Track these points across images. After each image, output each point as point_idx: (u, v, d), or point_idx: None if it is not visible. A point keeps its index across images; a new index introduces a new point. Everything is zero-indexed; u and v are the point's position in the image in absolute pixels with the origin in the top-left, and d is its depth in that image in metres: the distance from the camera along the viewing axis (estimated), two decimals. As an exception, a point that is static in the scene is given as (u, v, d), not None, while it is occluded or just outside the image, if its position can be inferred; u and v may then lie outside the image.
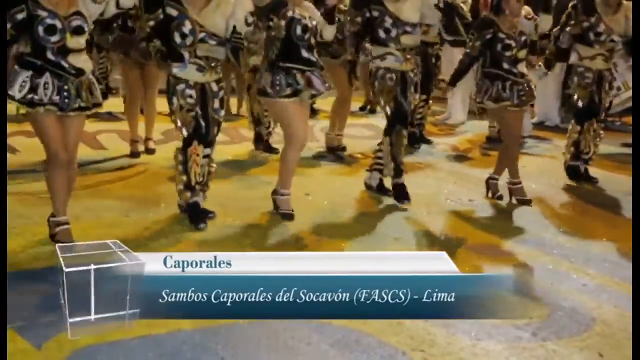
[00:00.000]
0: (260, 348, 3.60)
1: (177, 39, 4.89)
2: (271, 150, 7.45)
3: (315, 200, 5.91)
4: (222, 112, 5.23)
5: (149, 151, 7.17)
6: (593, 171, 7.00)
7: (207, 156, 5.19)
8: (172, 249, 4.66)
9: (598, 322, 4.06)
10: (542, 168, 7.11)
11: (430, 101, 8.10)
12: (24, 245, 4.66)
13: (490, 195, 6.17)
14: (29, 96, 4.35)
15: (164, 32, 4.90)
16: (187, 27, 4.87)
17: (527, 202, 6.08)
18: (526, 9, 5.99)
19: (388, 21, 5.68)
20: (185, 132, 5.09)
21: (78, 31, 4.41)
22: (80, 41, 4.45)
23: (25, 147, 6.55)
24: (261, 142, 7.54)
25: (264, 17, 5.25)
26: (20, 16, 4.31)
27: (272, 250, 4.81)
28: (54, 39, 4.34)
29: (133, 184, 6.26)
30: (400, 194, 5.89)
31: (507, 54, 5.83)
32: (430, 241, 5.20)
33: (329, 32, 5.57)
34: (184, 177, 5.16)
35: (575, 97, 6.65)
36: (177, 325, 3.72)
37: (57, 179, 4.57)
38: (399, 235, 5.25)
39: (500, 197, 6.13)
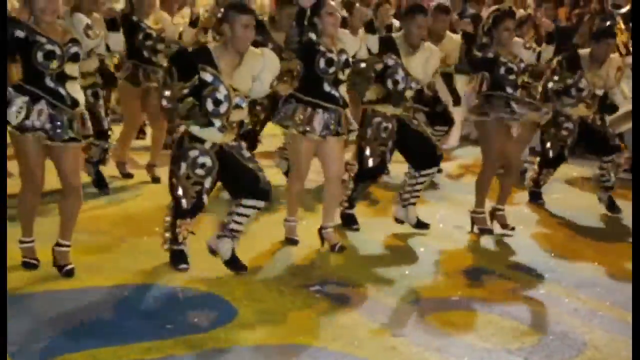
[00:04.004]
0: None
1: (210, 106, 4.50)
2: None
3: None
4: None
5: (155, 180, 6.92)
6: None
7: None
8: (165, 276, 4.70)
9: (589, 346, 4.08)
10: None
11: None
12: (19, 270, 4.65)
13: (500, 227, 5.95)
14: (24, 122, 4.34)
15: (198, 94, 4.51)
16: (222, 93, 4.49)
17: (489, 232, 5.92)
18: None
19: (400, 74, 5.53)
20: (184, 204, 4.65)
21: (75, 58, 4.46)
22: (75, 68, 4.50)
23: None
24: None
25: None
26: (21, 34, 4.29)
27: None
28: (53, 65, 4.35)
29: (129, 207, 6.25)
30: (348, 221, 5.87)
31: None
32: (421, 265, 5.24)
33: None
34: (170, 235, 4.78)
35: (548, 145, 6.68)
36: (171, 351, 3.74)
37: (30, 203, 4.59)
38: (389, 258, 5.27)
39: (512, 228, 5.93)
